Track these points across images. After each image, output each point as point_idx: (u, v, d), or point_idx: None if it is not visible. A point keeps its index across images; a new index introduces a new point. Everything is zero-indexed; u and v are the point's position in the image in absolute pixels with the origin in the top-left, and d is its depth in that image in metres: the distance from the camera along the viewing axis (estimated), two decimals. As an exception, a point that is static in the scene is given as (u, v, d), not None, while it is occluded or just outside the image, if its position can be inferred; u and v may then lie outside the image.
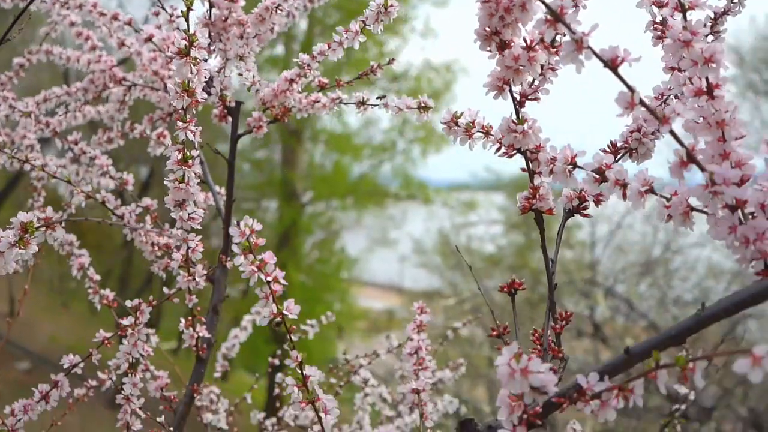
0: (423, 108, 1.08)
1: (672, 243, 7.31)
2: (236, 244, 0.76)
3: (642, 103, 0.61)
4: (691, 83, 0.68)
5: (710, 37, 0.86)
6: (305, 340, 1.61)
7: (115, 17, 1.28)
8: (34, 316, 8.38)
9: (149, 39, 1.26)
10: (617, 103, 0.62)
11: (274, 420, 1.64)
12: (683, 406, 1.25)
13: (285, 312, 0.78)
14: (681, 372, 0.56)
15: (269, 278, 0.77)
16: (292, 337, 0.80)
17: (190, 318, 1.13)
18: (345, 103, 1.18)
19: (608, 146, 0.83)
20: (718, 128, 0.65)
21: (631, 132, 0.82)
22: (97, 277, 1.26)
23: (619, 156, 0.83)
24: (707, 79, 0.65)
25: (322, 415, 0.80)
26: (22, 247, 0.83)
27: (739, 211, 0.64)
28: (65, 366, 1.06)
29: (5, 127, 1.45)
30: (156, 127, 1.42)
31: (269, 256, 0.78)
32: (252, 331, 1.77)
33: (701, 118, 0.66)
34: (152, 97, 1.39)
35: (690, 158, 0.62)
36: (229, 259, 1.21)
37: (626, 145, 0.82)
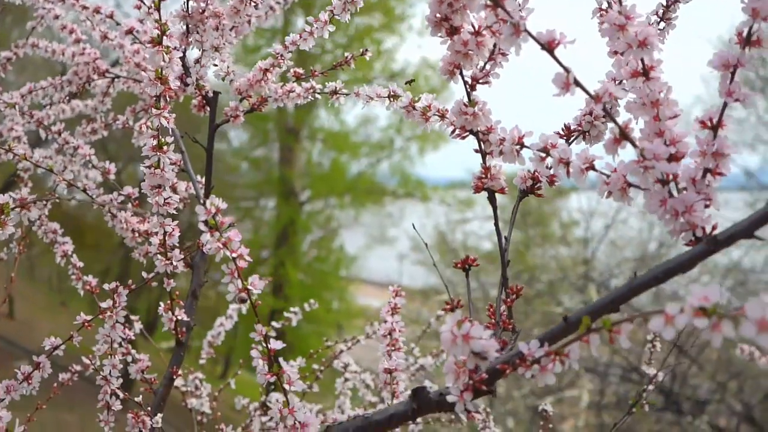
0: (392, 97, 1.11)
1: (667, 239, 7.34)
2: (203, 222, 0.79)
3: (577, 83, 0.64)
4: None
5: (662, 24, 0.89)
6: (304, 338, 1.64)
7: (96, 10, 1.32)
8: (33, 316, 8.42)
9: (130, 32, 1.29)
10: (554, 83, 0.65)
11: (256, 404, 1.67)
12: (650, 387, 1.29)
13: (250, 287, 0.81)
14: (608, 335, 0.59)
15: (234, 255, 0.80)
16: (256, 311, 0.83)
17: (168, 302, 1.16)
18: (319, 93, 1.21)
19: (562, 129, 0.87)
20: (653, 108, 0.68)
21: (584, 115, 0.85)
22: (80, 264, 1.29)
23: (572, 138, 0.87)
24: (642, 60, 0.68)
25: (286, 386, 0.83)
26: (-1, 227, 0.86)
27: (673, 186, 0.67)
28: (46, 348, 1.10)
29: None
30: (139, 118, 1.45)
31: (235, 234, 0.81)
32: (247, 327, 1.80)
33: (639, 99, 0.70)
34: (135, 88, 1.43)
35: (623, 135, 0.65)
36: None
37: (579, 128, 0.86)
